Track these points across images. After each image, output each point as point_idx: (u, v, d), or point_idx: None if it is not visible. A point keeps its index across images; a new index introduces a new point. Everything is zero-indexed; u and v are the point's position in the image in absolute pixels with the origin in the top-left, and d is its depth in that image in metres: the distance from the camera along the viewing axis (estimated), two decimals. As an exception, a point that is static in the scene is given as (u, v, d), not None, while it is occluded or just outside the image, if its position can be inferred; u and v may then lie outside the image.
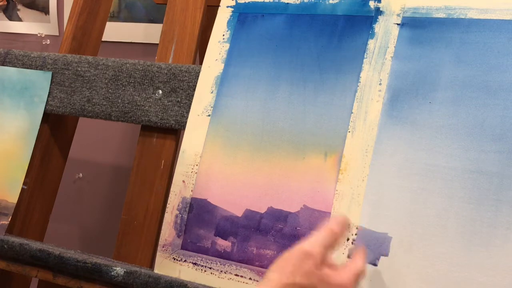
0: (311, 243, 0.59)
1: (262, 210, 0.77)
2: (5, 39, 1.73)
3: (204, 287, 0.76)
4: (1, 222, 0.93)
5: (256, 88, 0.81)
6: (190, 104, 0.86)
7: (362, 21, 0.78)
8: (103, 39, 1.13)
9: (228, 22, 0.86)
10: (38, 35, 1.69)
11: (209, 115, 0.83)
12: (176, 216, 0.81)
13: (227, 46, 0.85)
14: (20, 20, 1.72)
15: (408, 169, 0.69)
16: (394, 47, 0.74)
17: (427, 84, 0.71)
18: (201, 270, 0.78)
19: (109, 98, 0.94)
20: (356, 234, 0.70)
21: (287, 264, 0.57)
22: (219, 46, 0.86)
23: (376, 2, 0.78)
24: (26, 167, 0.95)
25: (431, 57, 0.72)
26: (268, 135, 0.79)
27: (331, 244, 0.61)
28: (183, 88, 0.89)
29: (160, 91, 0.90)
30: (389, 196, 0.70)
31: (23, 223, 1.00)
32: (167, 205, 0.83)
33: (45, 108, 0.98)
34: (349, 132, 0.74)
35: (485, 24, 0.70)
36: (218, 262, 0.77)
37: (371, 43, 0.76)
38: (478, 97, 0.68)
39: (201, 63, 0.88)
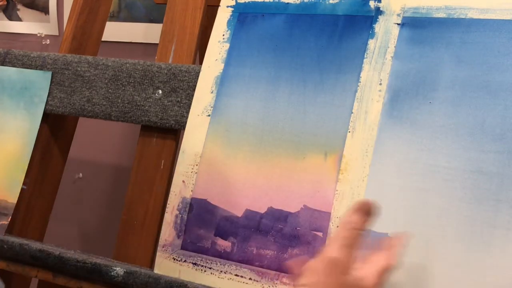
0: (333, 248, 0.54)
1: (262, 210, 0.76)
2: (5, 39, 1.73)
3: (204, 287, 0.76)
4: (1, 222, 0.93)
5: (256, 88, 0.81)
6: (190, 104, 0.86)
7: (362, 21, 0.77)
8: (103, 39, 1.13)
9: (228, 22, 0.86)
10: (38, 35, 1.68)
11: (209, 115, 0.83)
12: (176, 216, 0.81)
13: (227, 46, 0.85)
14: (20, 20, 1.72)
15: (408, 169, 0.69)
16: (395, 47, 0.74)
17: (427, 84, 0.71)
18: (201, 270, 0.78)
19: (109, 98, 0.94)
20: (356, 234, 0.70)
21: (315, 276, 0.53)
22: (219, 46, 0.86)
23: (376, 2, 0.77)
24: (26, 167, 0.95)
25: (431, 57, 0.72)
26: (268, 135, 0.79)
27: (354, 240, 0.56)
28: (183, 88, 0.89)
29: (160, 91, 0.90)
30: (389, 196, 0.70)
31: (23, 223, 1.00)
32: (167, 205, 0.83)
33: (45, 108, 0.98)
34: (349, 132, 0.74)
35: (485, 24, 0.70)
36: (218, 262, 0.77)
37: (371, 43, 0.76)
38: (478, 97, 0.68)
39: (201, 63, 0.88)
